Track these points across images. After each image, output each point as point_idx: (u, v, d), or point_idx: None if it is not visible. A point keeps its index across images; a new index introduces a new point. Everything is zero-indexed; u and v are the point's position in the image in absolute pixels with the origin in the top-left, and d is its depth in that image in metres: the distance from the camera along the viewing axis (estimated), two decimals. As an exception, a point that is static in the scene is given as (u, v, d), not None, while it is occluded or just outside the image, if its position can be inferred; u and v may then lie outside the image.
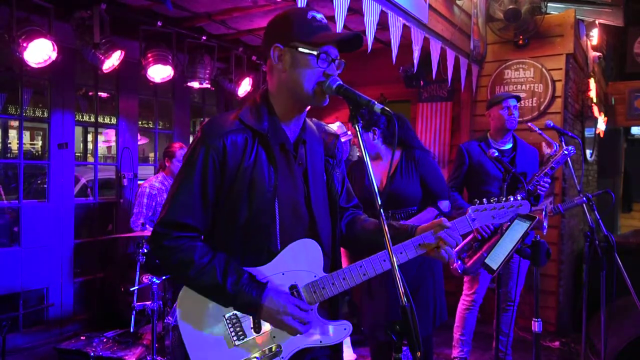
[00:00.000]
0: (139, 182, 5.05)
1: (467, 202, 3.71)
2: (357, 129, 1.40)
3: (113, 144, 6.23)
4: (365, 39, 3.22)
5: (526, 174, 3.41)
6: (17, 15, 3.44)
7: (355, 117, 1.41)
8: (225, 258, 1.46)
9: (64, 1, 3.73)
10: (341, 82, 1.46)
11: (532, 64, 4.93)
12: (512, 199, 1.58)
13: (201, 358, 1.49)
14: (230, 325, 1.49)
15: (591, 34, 6.05)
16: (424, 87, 5.44)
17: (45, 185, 4.52)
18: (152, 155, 6.60)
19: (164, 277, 3.40)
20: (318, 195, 1.58)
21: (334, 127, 4.48)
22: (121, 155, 5.02)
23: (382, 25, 3.41)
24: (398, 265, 1.28)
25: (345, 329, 1.55)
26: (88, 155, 7.90)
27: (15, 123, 4.88)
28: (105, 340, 3.71)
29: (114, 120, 5.20)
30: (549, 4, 4.81)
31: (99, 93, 5.09)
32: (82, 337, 3.81)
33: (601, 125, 6.91)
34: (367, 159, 1.39)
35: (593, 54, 6.11)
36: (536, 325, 2.20)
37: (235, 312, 1.49)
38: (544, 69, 4.87)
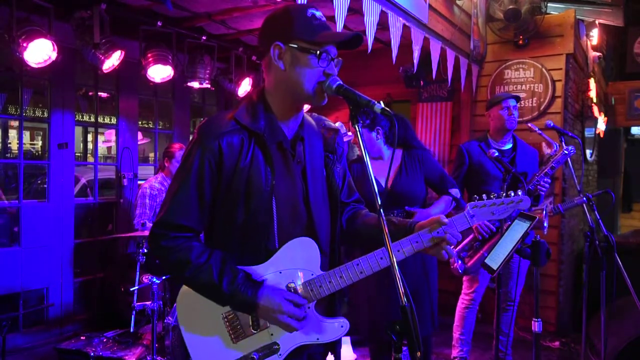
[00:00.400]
0: (139, 182, 5.05)
1: (467, 202, 3.71)
2: (358, 129, 1.40)
3: (113, 144, 6.23)
4: (365, 39, 3.23)
5: (526, 173, 3.41)
6: (17, 15, 3.44)
7: (355, 117, 1.41)
8: (222, 257, 1.47)
9: (64, 1, 3.73)
10: (341, 82, 1.46)
11: (532, 64, 4.93)
12: (512, 194, 1.55)
13: (201, 356, 1.50)
14: (228, 324, 1.50)
15: (591, 34, 6.05)
16: (424, 87, 5.44)
17: (45, 185, 4.52)
18: (152, 155, 6.60)
19: (164, 277, 3.40)
20: (317, 192, 1.58)
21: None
22: (121, 155, 5.02)
23: (382, 25, 3.41)
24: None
25: (342, 326, 1.56)
26: (88, 155, 7.90)
27: (15, 123, 4.88)
28: (105, 340, 3.71)
29: (114, 120, 5.20)
30: (549, 4, 4.81)
31: (99, 93, 5.09)
32: (82, 337, 3.81)
33: (601, 125, 6.91)
34: (367, 158, 1.39)
35: (593, 54, 6.11)
36: (536, 325, 2.20)
37: (233, 309, 1.50)
38: (544, 69, 4.87)
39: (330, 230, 1.63)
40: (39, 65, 3.53)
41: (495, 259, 2.24)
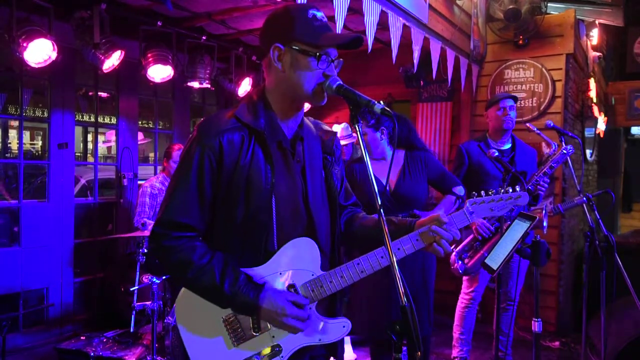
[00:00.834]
0: (139, 182, 5.05)
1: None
2: (358, 129, 1.40)
3: (113, 144, 6.23)
4: (365, 39, 3.23)
5: (526, 173, 3.41)
6: (17, 15, 3.44)
7: (356, 117, 1.41)
8: (224, 259, 1.46)
9: (64, 1, 3.73)
10: (341, 82, 1.46)
11: (532, 64, 4.93)
12: (510, 190, 1.55)
13: (201, 359, 1.49)
14: (229, 326, 1.49)
15: (591, 34, 6.05)
16: (424, 87, 5.44)
17: (45, 185, 4.52)
18: (152, 155, 6.59)
19: (164, 277, 3.40)
20: (316, 192, 1.58)
21: (340, 128, 4.48)
22: (121, 155, 5.02)
23: (382, 25, 3.41)
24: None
25: (344, 327, 1.55)
26: (88, 155, 7.90)
27: (15, 123, 4.88)
28: (105, 340, 3.71)
29: (114, 120, 5.20)
30: (549, 4, 4.81)
31: (99, 93, 5.09)
32: (82, 337, 3.81)
33: (601, 125, 6.91)
34: (367, 158, 1.39)
35: (593, 54, 6.12)
36: (536, 325, 2.20)
37: (233, 312, 1.49)
38: (544, 69, 4.87)
39: (330, 230, 1.63)
40: (39, 65, 3.53)
41: (495, 259, 2.24)
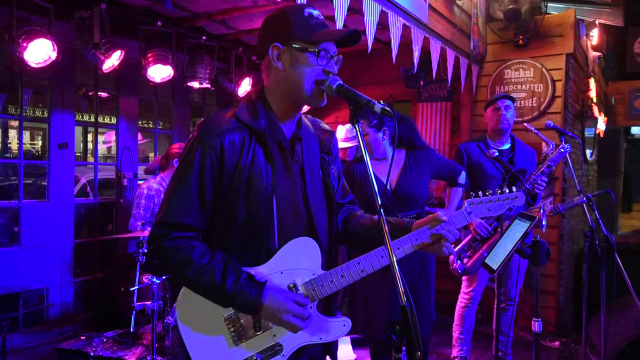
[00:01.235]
0: (139, 182, 5.05)
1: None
2: (358, 129, 1.40)
3: (113, 144, 6.23)
4: (365, 39, 3.23)
5: (525, 172, 3.42)
6: (17, 15, 3.44)
7: (356, 117, 1.41)
8: (224, 258, 1.46)
9: (64, 1, 3.73)
10: (341, 82, 1.46)
11: (532, 64, 4.93)
12: (507, 191, 1.58)
13: (202, 358, 1.49)
14: (230, 325, 1.49)
15: (591, 34, 6.05)
16: (424, 87, 5.44)
17: (45, 185, 4.52)
18: (152, 155, 6.60)
19: (164, 277, 3.40)
20: (315, 192, 1.59)
21: (344, 129, 4.48)
22: (121, 155, 5.02)
23: (382, 25, 3.41)
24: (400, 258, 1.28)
25: (344, 325, 1.55)
26: (88, 155, 7.91)
27: (15, 123, 4.89)
28: (105, 340, 3.71)
29: (114, 120, 5.20)
30: (549, 4, 4.81)
31: (99, 93, 5.09)
32: (82, 337, 3.81)
33: (601, 125, 6.91)
34: (367, 158, 1.39)
35: (593, 54, 6.12)
36: (536, 325, 2.19)
37: (234, 311, 1.49)
38: (544, 69, 4.87)
39: (328, 229, 1.63)
40: (39, 65, 3.53)
41: (495, 259, 2.24)
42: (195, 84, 4.68)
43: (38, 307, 4.45)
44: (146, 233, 3.48)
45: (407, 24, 3.60)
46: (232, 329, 1.49)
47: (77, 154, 6.27)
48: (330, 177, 1.66)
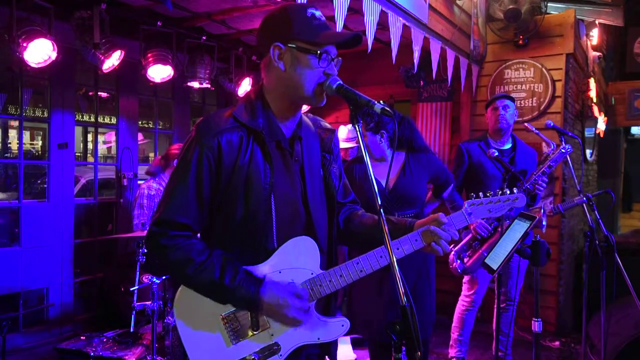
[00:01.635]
0: (139, 182, 5.05)
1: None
2: (357, 129, 1.40)
3: (113, 144, 6.23)
4: (365, 39, 3.23)
5: (526, 172, 3.42)
6: (17, 15, 3.44)
7: (356, 117, 1.41)
8: (222, 255, 1.46)
9: (64, 1, 3.73)
10: (341, 82, 1.46)
11: (532, 64, 4.93)
12: (507, 192, 1.58)
13: (199, 358, 1.49)
14: (227, 324, 1.49)
15: (591, 34, 6.05)
16: (424, 87, 5.44)
17: (45, 185, 4.52)
18: (152, 155, 6.59)
19: (164, 277, 3.40)
20: (315, 191, 1.58)
21: (346, 129, 4.49)
22: (121, 155, 5.02)
23: (382, 25, 3.41)
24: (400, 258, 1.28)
25: (342, 325, 1.55)
26: (88, 155, 7.89)
27: (15, 123, 4.88)
28: (105, 340, 3.71)
29: (114, 120, 5.20)
30: (549, 4, 4.81)
31: (99, 93, 5.09)
32: (82, 337, 3.81)
33: (601, 125, 6.91)
34: (367, 158, 1.39)
35: (593, 54, 6.11)
36: (536, 325, 2.20)
37: (232, 310, 1.49)
38: (544, 69, 4.87)
39: (327, 229, 1.63)
40: (39, 65, 3.53)
41: (495, 259, 2.24)
42: (195, 84, 4.68)
43: (38, 307, 4.45)
44: (146, 233, 3.47)
45: (407, 24, 3.60)
46: (229, 328, 1.49)
47: (77, 154, 6.26)
48: (332, 176, 1.65)
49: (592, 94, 6.05)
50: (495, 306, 3.07)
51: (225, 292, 1.44)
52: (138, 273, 3.42)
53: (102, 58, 3.78)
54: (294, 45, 1.45)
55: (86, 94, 5.35)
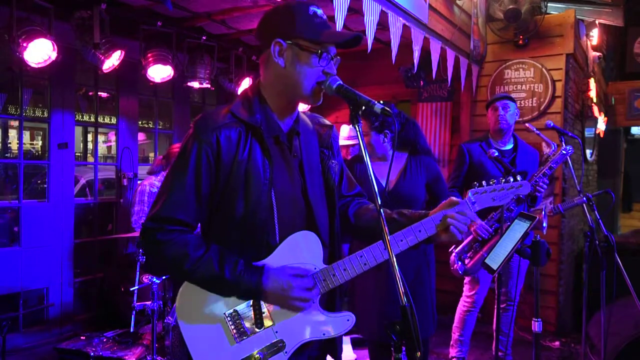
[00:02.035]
0: (139, 182, 5.05)
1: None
2: (357, 129, 1.40)
3: (113, 144, 6.23)
4: (365, 39, 3.23)
5: (527, 173, 3.41)
6: (17, 15, 3.44)
7: (355, 117, 1.41)
8: (219, 248, 1.46)
9: (64, 1, 3.73)
10: (341, 82, 1.46)
11: (532, 64, 4.93)
12: (511, 179, 1.56)
13: (204, 357, 1.48)
14: (231, 323, 1.48)
15: (591, 34, 6.05)
16: (424, 87, 5.44)
17: (45, 185, 4.52)
18: (152, 155, 6.59)
19: (164, 277, 3.40)
20: (314, 186, 1.58)
21: (347, 128, 4.50)
22: (121, 155, 5.02)
23: (382, 25, 3.41)
24: (400, 259, 1.28)
25: (347, 320, 1.54)
26: (88, 155, 7.89)
27: (15, 123, 4.87)
28: (105, 340, 3.71)
29: (114, 120, 5.20)
30: (549, 4, 4.81)
31: (99, 93, 5.09)
32: (82, 337, 3.81)
33: (601, 125, 6.91)
34: (367, 158, 1.39)
35: (593, 54, 6.11)
36: (536, 325, 2.19)
37: (235, 308, 1.48)
38: (544, 69, 4.87)
39: (329, 223, 1.62)
40: (39, 65, 3.53)
41: (495, 259, 2.24)
42: (195, 84, 4.68)
43: (38, 307, 4.45)
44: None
45: (407, 24, 3.60)
46: (233, 327, 1.48)
47: (77, 154, 6.26)
48: (331, 172, 1.65)
49: (592, 94, 6.04)
50: (496, 306, 3.06)
51: (227, 285, 1.43)
52: (138, 273, 3.42)
53: (102, 58, 3.78)
54: (295, 43, 1.44)
55: (86, 94, 5.35)
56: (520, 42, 4.93)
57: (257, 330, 1.48)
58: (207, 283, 1.45)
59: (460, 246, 3.51)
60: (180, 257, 1.43)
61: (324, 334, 1.52)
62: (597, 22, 5.94)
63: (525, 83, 4.96)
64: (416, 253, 2.88)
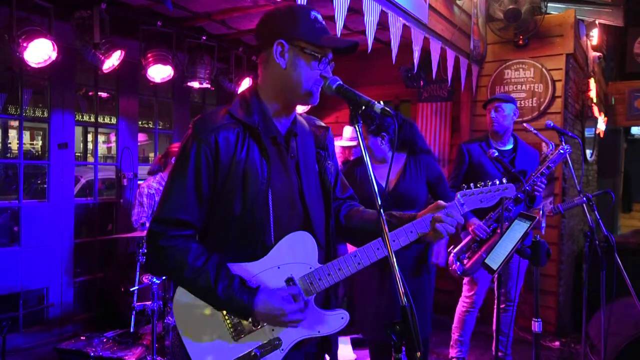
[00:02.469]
0: (139, 182, 5.05)
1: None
2: (357, 129, 1.40)
3: (113, 144, 6.23)
4: (365, 39, 3.23)
5: (526, 173, 3.41)
6: (17, 15, 3.44)
7: (356, 117, 1.42)
8: (218, 262, 1.46)
9: (64, 1, 3.73)
10: (341, 82, 1.47)
11: (532, 64, 4.93)
12: (497, 182, 1.62)
13: (201, 355, 1.49)
14: (228, 321, 1.50)
15: (591, 34, 6.05)
16: (424, 87, 5.44)
17: (45, 185, 4.51)
18: (152, 155, 6.60)
19: (163, 277, 3.40)
20: (311, 187, 1.60)
21: (350, 129, 4.50)
22: (121, 155, 5.02)
23: (382, 25, 3.41)
24: (398, 258, 1.28)
25: (342, 318, 1.56)
26: (88, 155, 7.90)
27: (15, 123, 4.88)
28: (105, 340, 3.71)
29: (114, 120, 5.20)
30: (549, 4, 4.81)
31: (99, 93, 5.09)
32: (82, 337, 3.81)
33: (601, 125, 6.91)
34: (367, 159, 1.40)
35: (593, 54, 6.11)
36: (536, 325, 2.20)
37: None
38: (544, 69, 4.87)
39: (325, 224, 1.64)
40: (39, 65, 3.53)
41: (495, 259, 2.24)
42: (195, 84, 4.68)
43: (38, 307, 4.45)
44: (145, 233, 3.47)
45: (407, 24, 3.60)
46: (230, 325, 1.49)
47: (77, 154, 6.26)
48: (327, 172, 1.67)
49: (592, 94, 6.04)
50: (495, 307, 3.07)
51: (218, 300, 1.45)
52: (138, 273, 3.42)
53: (102, 58, 3.78)
54: (297, 45, 1.47)
55: (86, 94, 5.35)
56: (520, 42, 4.93)
57: (254, 328, 1.50)
58: (201, 294, 1.47)
59: (459, 247, 3.51)
60: (180, 265, 1.44)
61: (319, 332, 1.54)
62: (597, 22, 5.94)
63: (525, 83, 4.96)
64: (417, 253, 2.89)
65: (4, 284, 4.14)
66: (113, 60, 3.88)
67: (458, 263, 3.48)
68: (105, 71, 3.92)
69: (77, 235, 4.70)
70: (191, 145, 1.46)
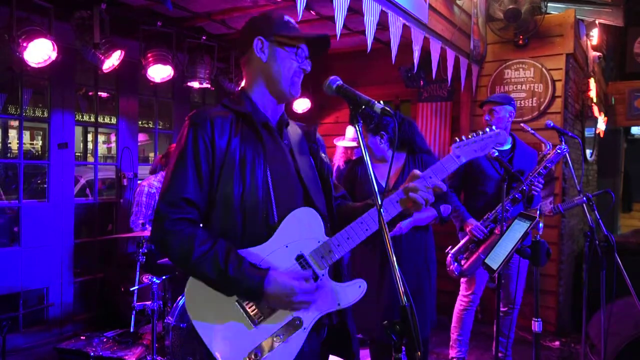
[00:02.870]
0: (139, 182, 5.05)
1: (463, 202, 3.71)
2: (358, 129, 1.41)
3: (113, 144, 6.23)
4: (365, 39, 3.24)
5: (524, 172, 3.41)
6: (17, 15, 3.44)
7: (356, 117, 1.43)
8: (226, 245, 1.46)
9: (64, 1, 3.73)
10: (341, 82, 1.49)
11: (532, 64, 4.93)
12: (488, 130, 1.61)
13: (222, 347, 1.46)
14: (244, 308, 1.48)
15: (591, 34, 6.05)
16: (424, 87, 5.44)
17: (45, 185, 4.52)
18: (152, 155, 6.59)
19: (164, 277, 3.40)
20: (306, 167, 1.64)
21: (352, 130, 4.50)
22: (121, 155, 5.02)
23: (382, 25, 3.41)
24: (398, 256, 1.29)
25: (359, 287, 1.55)
26: (88, 155, 7.89)
27: (15, 123, 4.88)
28: (105, 340, 3.72)
29: (114, 120, 5.20)
30: (549, 4, 4.81)
31: (99, 93, 5.09)
32: (82, 337, 3.81)
33: (601, 125, 6.91)
34: (367, 158, 1.40)
35: (593, 54, 6.11)
36: (536, 325, 2.20)
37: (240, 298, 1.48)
38: (544, 69, 4.87)
39: (325, 199, 1.67)
40: (39, 65, 3.53)
41: (495, 259, 2.24)
42: (195, 84, 4.68)
43: (38, 307, 4.45)
44: (146, 233, 3.48)
45: (407, 24, 3.60)
46: (247, 311, 1.48)
47: (77, 154, 6.26)
48: (323, 162, 1.72)
49: (592, 94, 6.04)
50: (496, 308, 3.06)
51: (229, 282, 1.43)
52: (138, 273, 3.42)
53: (102, 58, 3.78)
54: (274, 39, 1.59)
55: (86, 94, 5.35)
56: (520, 42, 4.93)
57: (272, 311, 1.48)
58: (210, 279, 1.46)
59: (457, 247, 3.51)
60: (186, 250, 1.44)
61: (339, 305, 1.53)
62: (597, 22, 5.94)
63: (525, 83, 4.96)
64: (417, 253, 2.89)
65: (4, 284, 4.14)
66: (113, 60, 3.88)
67: (456, 264, 3.48)
68: (105, 71, 3.92)
69: (77, 235, 4.70)
70: (188, 131, 1.52)
